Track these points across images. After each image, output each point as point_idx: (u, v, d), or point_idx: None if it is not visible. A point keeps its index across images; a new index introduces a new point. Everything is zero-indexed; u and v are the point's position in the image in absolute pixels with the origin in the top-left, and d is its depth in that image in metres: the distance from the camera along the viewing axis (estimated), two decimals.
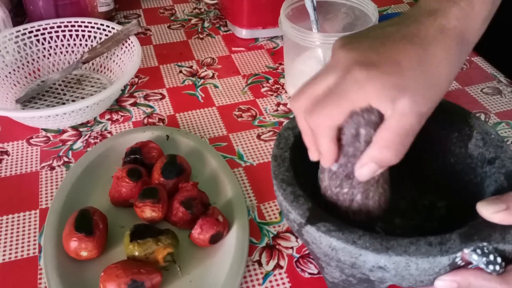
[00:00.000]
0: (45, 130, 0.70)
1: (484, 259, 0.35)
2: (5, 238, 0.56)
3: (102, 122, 0.72)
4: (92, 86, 0.78)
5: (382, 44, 0.37)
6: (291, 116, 0.51)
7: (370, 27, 0.42)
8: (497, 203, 0.37)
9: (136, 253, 0.49)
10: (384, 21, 0.41)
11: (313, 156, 0.42)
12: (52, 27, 0.80)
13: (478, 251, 0.36)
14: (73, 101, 0.75)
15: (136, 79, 0.81)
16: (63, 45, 0.81)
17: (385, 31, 0.39)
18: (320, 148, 0.40)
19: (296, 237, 0.56)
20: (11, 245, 0.55)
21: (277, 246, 0.55)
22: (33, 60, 0.79)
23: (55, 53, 0.81)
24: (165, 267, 0.51)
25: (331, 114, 0.38)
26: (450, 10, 0.38)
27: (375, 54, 0.37)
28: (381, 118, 0.37)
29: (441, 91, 0.38)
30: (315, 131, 0.39)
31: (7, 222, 0.57)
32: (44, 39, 0.80)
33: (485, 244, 0.36)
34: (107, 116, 0.73)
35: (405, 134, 0.36)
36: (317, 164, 0.50)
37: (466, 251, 0.36)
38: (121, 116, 0.73)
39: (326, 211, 0.41)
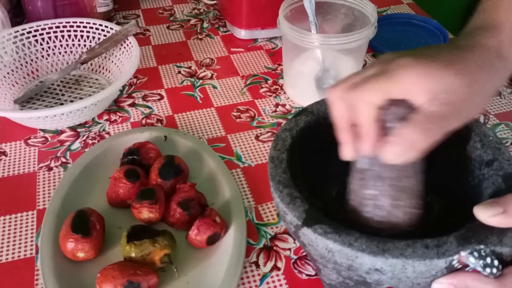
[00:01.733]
0: (43, 130, 0.70)
1: (481, 262, 0.35)
2: (2, 239, 0.56)
3: (100, 123, 0.72)
4: (90, 87, 0.78)
5: (430, 53, 0.40)
6: (289, 117, 0.51)
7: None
8: (494, 207, 0.37)
9: (133, 254, 0.49)
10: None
11: (347, 151, 0.42)
12: (51, 28, 0.80)
13: (475, 253, 0.36)
14: (71, 101, 0.75)
15: (135, 80, 0.81)
16: (61, 45, 0.81)
17: (431, 50, 0.41)
18: (361, 128, 0.40)
19: (294, 239, 0.56)
20: (8, 246, 0.55)
21: (274, 248, 0.55)
22: (32, 60, 0.79)
23: (54, 54, 0.81)
24: (162, 268, 0.51)
25: (374, 90, 0.38)
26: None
27: (424, 55, 0.39)
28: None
29: (482, 97, 0.40)
30: (357, 108, 0.39)
31: (4, 223, 0.57)
32: (43, 39, 0.80)
33: (482, 247, 0.36)
34: (105, 117, 0.73)
35: (440, 120, 0.37)
36: (314, 166, 0.50)
37: (463, 253, 0.36)
38: (119, 116, 0.73)
39: (347, 221, 0.40)
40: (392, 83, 0.38)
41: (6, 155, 0.67)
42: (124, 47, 0.77)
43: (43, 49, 0.80)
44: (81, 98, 0.75)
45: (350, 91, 0.40)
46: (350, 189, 0.45)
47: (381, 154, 0.39)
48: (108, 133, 0.70)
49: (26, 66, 0.79)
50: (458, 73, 0.38)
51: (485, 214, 0.37)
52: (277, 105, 0.76)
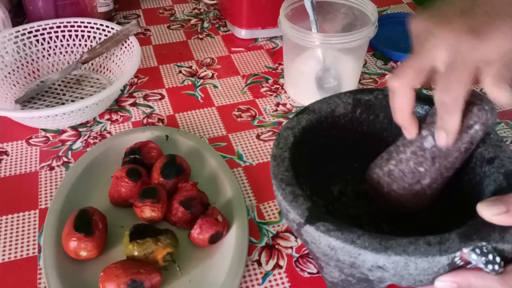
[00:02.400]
0: (44, 130, 0.71)
1: (483, 258, 0.35)
2: (5, 238, 0.56)
3: (101, 122, 0.72)
4: (91, 87, 0.78)
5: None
6: (291, 116, 0.51)
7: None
8: (498, 205, 0.37)
9: (136, 253, 0.49)
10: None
11: (413, 132, 0.43)
12: (51, 28, 0.80)
13: (477, 250, 0.36)
14: (73, 101, 0.75)
15: (136, 79, 0.81)
16: (62, 45, 0.81)
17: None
18: (449, 106, 0.40)
19: (296, 237, 0.56)
20: (10, 245, 0.55)
21: (276, 246, 0.55)
22: (33, 60, 0.79)
23: (55, 54, 0.81)
24: (165, 267, 0.51)
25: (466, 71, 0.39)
26: None
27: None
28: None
29: None
30: (449, 87, 0.39)
31: (6, 222, 0.57)
32: (44, 39, 0.80)
33: (484, 243, 0.36)
34: (107, 116, 0.73)
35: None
36: (316, 164, 0.50)
37: (465, 250, 0.36)
38: (121, 116, 0.73)
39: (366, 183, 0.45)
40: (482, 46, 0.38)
41: (7, 155, 0.67)
42: (125, 47, 0.77)
43: (44, 49, 0.80)
44: (82, 98, 0.75)
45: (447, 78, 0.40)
46: (399, 158, 0.46)
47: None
48: (109, 132, 0.70)
49: (27, 66, 0.79)
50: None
51: (488, 212, 0.37)
52: (277, 104, 0.76)
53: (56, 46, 0.81)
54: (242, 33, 0.91)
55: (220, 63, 0.85)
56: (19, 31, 0.78)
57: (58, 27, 0.80)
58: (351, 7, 0.75)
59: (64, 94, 0.77)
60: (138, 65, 0.71)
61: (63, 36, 0.81)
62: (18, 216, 0.58)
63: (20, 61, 0.78)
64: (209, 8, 1.02)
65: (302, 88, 0.76)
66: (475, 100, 0.42)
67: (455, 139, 0.41)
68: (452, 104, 0.40)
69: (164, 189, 0.56)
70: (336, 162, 0.52)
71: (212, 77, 0.82)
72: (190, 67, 0.84)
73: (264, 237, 0.56)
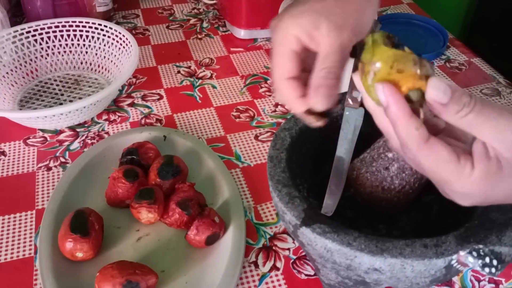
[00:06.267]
0: (42, 130, 0.70)
1: (480, 261, 0.35)
2: (1, 239, 0.56)
3: (99, 123, 0.72)
4: (89, 86, 0.78)
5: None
6: (288, 117, 0.51)
7: None
8: (447, 90, 0.32)
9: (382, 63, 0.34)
10: None
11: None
12: (50, 27, 0.80)
13: (474, 253, 0.35)
14: (71, 101, 0.75)
15: (134, 79, 0.81)
16: (61, 45, 0.81)
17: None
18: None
19: (293, 238, 0.56)
20: (7, 246, 0.55)
21: (273, 247, 0.55)
22: (31, 60, 0.79)
23: (53, 53, 0.81)
24: (161, 269, 0.51)
25: None
26: None
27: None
28: None
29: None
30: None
31: (3, 223, 0.57)
32: (42, 39, 0.80)
33: (481, 246, 0.36)
34: (105, 117, 0.73)
35: None
36: (313, 165, 0.50)
37: (462, 253, 0.36)
38: (119, 116, 0.73)
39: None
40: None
41: (5, 155, 0.66)
42: (124, 47, 0.77)
43: (42, 48, 0.80)
44: (80, 98, 0.75)
45: None
46: (365, 151, 0.46)
47: None
48: (107, 133, 0.70)
49: (25, 66, 0.79)
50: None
51: (433, 92, 0.32)
52: (276, 105, 0.76)
53: (54, 46, 0.81)
54: (241, 33, 0.90)
55: (219, 63, 0.85)
56: (17, 30, 0.78)
57: (57, 26, 0.80)
58: None
59: (62, 94, 0.77)
60: (136, 65, 0.71)
61: (62, 36, 0.81)
62: (15, 217, 0.58)
63: (18, 61, 0.78)
64: (208, 8, 1.02)
65: None
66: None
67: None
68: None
69: (161, 190, 0.56)
70: (332, 163, 0.51)
71: (211, 77, 0.82)
72: (189, 67, 0.84)
73: (261, 238, 0.56)
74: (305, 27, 0.38)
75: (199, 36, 0.92)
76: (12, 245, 0.55)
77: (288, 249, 0.55)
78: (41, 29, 0.79)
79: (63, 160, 0.66)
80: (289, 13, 0.40)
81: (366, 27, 0.41)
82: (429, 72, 0.33)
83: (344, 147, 0.43)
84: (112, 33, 0.79)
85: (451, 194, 0.35)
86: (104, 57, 0.80)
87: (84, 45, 0.81)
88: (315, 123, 0.41)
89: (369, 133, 0.51)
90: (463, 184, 0.33)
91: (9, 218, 0.58)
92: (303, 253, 0.54)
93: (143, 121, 0.72)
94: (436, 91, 0.32)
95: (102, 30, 0.80)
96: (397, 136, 0.34)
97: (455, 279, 0.52)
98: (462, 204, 0.35)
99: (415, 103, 0.33)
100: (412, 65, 0.33)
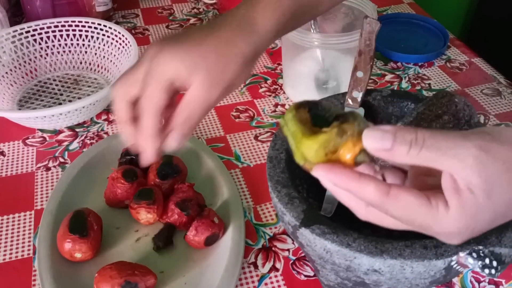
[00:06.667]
0: (41, 130, 0.70)
1: (480, 262, 0.35)
2: (0, 239, 0.55)
3: (98, 123, 0.71)
4: (89, 86, 0.78)
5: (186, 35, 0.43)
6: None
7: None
8: (385, 138, 0.30)
9: (312, 154, 0.32)
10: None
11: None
12: (49, 27, 0.80)
13: (474, 254, 0.35)
14: (70, 101, 0.75)
15: None
16: (60, 45, 0.81)
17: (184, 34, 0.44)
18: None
19: (292, 239, 0.56)
20: (5, 246, 0.55)
21: (273, 248, 0.55)
22: (30, 60, 0.79)
23: (52, 53, 0.81)
24: (159, 270, 0.50)
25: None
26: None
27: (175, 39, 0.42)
28: None
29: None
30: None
31: (1, 223, 0.57)
32: (42, 38, 0.80)
33: (481, 247, 0.35)
34: (104, 117, 0.73)
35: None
36: None
37: (461, 254, 0.35)
38: None
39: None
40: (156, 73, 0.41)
41: (4, 155, 0.66)
42: (123, 47, 0.77)
43: (41, 48, 0.80)
44: (79, 98, 0.75)
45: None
46: None
47: None
48: (106, 133, 0.70)
49: (24, 66, 0.79)
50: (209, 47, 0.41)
51: (371, 142, 0.31)
52: (276, 105, 0.75)
53: (54, 45, 0.81)
54: None
55: None
56: (16, 30, 0.77)
57: (56, 26, 0.80)
58: (351, 7, 0.75)
59: (61, 94, 0.76)
60: None
61: (61, 35, 0.81)
62: (13, 217, 0.58)
63: (17, 60, 0.78)
64: (208, 8, 1.01)
65: (301, 89, 0.75)
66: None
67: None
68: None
69: (160, 190, 0.56)
70: None
71: None
72: None
73: (261, 239, 0.56)
74: (181, 71, 0.40)
75: None
76: (11, 245, 0.55)
77: (288, 250, 0.55)
78: (41, 28, 0.79)
79: (62, 160, 0.65)
80: (170, 46, 0.41)
81: (240, 81, 0.44)
82: (360, 127, 0.31)
83: None
84: (112, 33, 0.78)
85: (438, 237, 0.33)
86: (104, 57, 0.80)
87: (83, 45, 0.81)
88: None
89: None
90: (442, 224, 0.31)
91: (7, 218, 0.58)
92: (303, 254, 0.54)
93: None
94: (373, 141, 0.30)
95: (101, 30, 0.80)
96: (363, 201, 0.32)
97: (455, 280, 0.52)
98: (454, 244, 0.33)
99: (367, 163, 0.32)
100: (340, 137, 0.31)
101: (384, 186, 0.31)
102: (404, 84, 0.80)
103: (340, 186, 0.32)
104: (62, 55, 0.81)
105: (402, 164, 0.36)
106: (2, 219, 0.58)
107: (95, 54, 0.81)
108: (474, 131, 0.31)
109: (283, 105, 0.75)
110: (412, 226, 0.32)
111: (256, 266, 0.53)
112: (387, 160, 0.32)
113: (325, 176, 0.32)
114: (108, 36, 0.79)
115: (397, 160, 0.31)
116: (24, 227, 0.57)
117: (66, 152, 0.67)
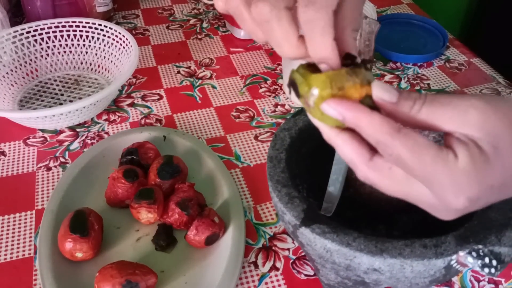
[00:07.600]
0: (42, 130, 0.70)
1: (480, 261, 0.35)
2: (1, 239, 0.56)
3: (99, 123, 0.72)
4: (89, 87, 0.78)
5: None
6: (288, 117, 0.51)
7: None
8: (391, 92, 0.31)
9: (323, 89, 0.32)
10: None
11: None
12: (50, 27, 0.80)
13: (474, 253, 0.35)
14: (71, 101, 0.75)
15: (134, 80, 0.81)
16: (61, 45, 0.81)
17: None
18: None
19: (293, 239, 0.56)
20: (6, 246, 0.55)
21: (273, 248, 0.55)
22: (31, 60, 0.79)
23: (53, 54, 0.81)
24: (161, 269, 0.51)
25: None
26: None
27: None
28: None
29: None
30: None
31: (2, 223, 0.57)
32: (42, 39, 0.80)
33: (480, 246, 0.36)
34: (104, 117, 0.73)
35: None
36: (313, 165, 0.50)
37: (461, 253, 0.36)
38: (118, 116, 0.73)
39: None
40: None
41: (5, 155, 0.66)
42: (123, 47, 0.77)
43: (42, 49, 0.80)
44: (80, 98, 0.75)
45: None
46: None
47: None
48: (107, 133, 0.70)
49: (25, 66, 0.79)
50: None
51: (378, 92, 0.31)
52: (276, 105, 0.76)
53: (54, 46, 0.81)
54: (241, 33, 0.90)
55: (219, 64, 0.85)
56: (17, 31, 0.78)
57: (57, 27, 0.80)
58: None
59: (62, 94, 0.77)
60: (136, 65, 0.71)
61: (62, 36, 0.81)
62: (14, 217, 0.58)
63: (18, 61, 0.78)
64: (208, 8, 1.02)
65: None
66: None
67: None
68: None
69: (161, 190, 0.56)
70: (332, 163, 0.51)
71: (210, 78, 0.82)
72: (189, 67, 0.84)
73: (261, 238, 0.56)
74: None
75: (199, 36, 0.92)
76: (12, 245, 0.55)
77: (288, 249, 0.55)
78: (41, 29, 0.80)
79: (63, 160, 0.66)
80: None
81: None
82: (369, 77, 0.32)
83: None
84: (112, 33, 0.79)
85: (443, 196, 0.30)
86: (104, 57, 0.80)
87: (84, 45, 0.81)
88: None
89: None
90: (452, 171, 0.29)
91: (8, 218, 0.58)
92: (303, 253, 0.54)
93: (143, 121, 0.72)
94: (382, 90, 0.31)
95: (102, 30, 0.80)
96: (368, 139, 0.31)
97: (455, 279, 0.52)
98: (461, 205, 0.30)
99: (372, 108, 0.31)
100: (349, 77, 0.31)
101: (395, 123, 0.30)
102: (404, 85, 0.80)
103: (349, 118, 0.31)
104: (62, 56, 0.82)
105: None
106: (3, 219, 0.58)
107: (96, 54, 0.81)
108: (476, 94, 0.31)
109: (283, 105, 0.75)
110: (416, 177, 0.30)
111: (256, 266, 0.53)
112: (392, 114, 0.31)
113: (336, 104, 0.31)
114: (109, 37, 0.79)
115: (401, 115, 0.31)
116: (25, 227, 0.57)
117: (67, 152, 0.67)
